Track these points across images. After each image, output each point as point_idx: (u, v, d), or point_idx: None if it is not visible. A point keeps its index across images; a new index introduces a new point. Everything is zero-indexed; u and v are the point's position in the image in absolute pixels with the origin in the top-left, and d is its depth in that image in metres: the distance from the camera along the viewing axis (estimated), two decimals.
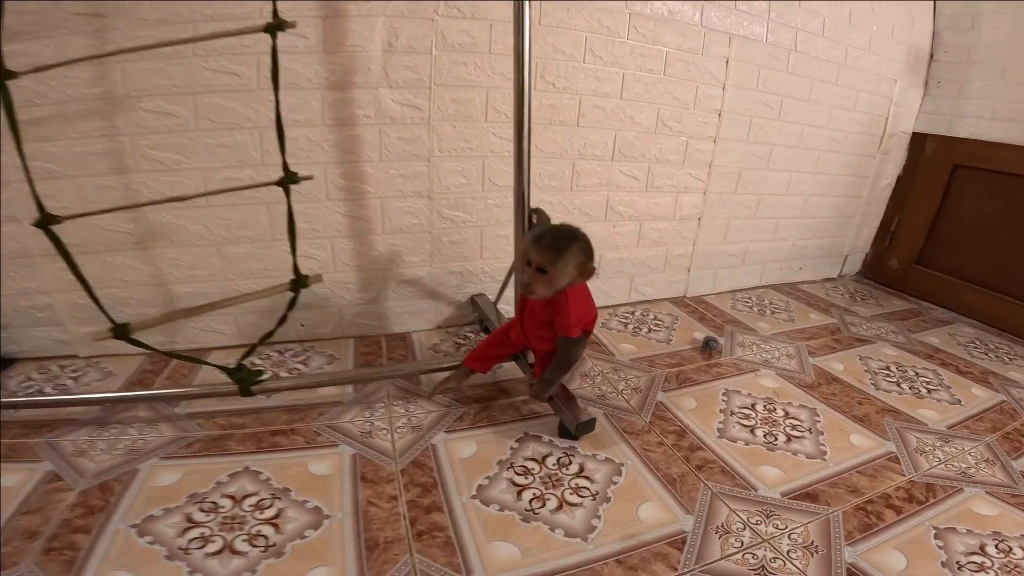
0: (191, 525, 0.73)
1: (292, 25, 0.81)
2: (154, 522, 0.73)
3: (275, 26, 0.77)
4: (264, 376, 0.92)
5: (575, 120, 1.25)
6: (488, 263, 1.31)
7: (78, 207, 1.01)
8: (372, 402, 1.00)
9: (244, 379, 0.91)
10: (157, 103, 1.02)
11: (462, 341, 1.28)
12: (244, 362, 0.90)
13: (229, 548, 0.69)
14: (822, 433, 1.01)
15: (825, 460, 0.93)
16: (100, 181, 1.04)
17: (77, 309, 1.15)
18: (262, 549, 0.69)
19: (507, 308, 1.25)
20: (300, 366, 1.14)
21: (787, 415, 1.06)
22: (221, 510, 0.75)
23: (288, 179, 0.80)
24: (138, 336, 0.83)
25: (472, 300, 1.29)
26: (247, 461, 0.85)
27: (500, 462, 0.86)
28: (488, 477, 0.82)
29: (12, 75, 0.69)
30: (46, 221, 0.75)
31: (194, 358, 0.91)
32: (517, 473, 0.84)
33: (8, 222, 1.06)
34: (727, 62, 1.35)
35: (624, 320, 1.44)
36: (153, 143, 1.03)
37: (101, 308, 0.80)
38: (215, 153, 1.05)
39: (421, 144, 1.14)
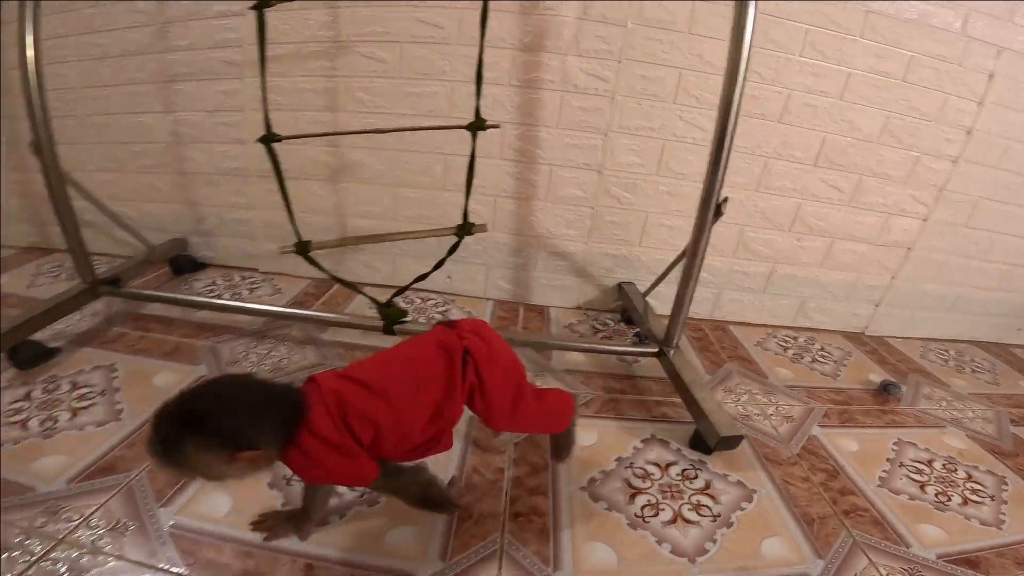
0: None
1: None
2: None
3: None
4: (407, 319, 0.99)
5: (778, 115, 1.13)
6: (646, 251, 1.26)
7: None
8: None
9: (391, 315, 0.98)
10: (371, 49, 1.13)
11: (600, 326, 1.25)
12: (394, 300, 0.98)
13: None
14: (1006, 503, 0.83)
15: (1001, 529, 0.78)
16: (314, 116, 1.19)
17: (269, 226, 1.34)
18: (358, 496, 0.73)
19: (657, 304, 1.19)
20: (438, 315, 1.21)
21: (969, 478, 0.88)
22: None
23: (477, 124, 0.84)
24: (314, 256, 0.94)
25: (620, 287, 1.25)
26: None
27: (619, 459, 0.82)
28: (603, 472, 0.79)
29: (268, 3, 0.81)
30: (269, 139, 0.87)
31: (352, 284, 1.00)
32: (635, 475, 0.80)
33: (232, 143, 1.27)
34: (991, 76, 1.12)
35: (784, 344, 1.30)
36: (363, 86, 1.15)
37: (293, 223, 0.92)
38: (411, 101, 1.14)
39: (600, 116, 1.12)
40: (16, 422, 0.83)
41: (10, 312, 1.13)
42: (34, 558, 0.60)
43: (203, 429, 0.45)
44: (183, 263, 1.40)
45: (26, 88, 0.94)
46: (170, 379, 0.96)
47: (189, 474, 0.49)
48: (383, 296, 1.00)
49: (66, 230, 1.06)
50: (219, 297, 1.23)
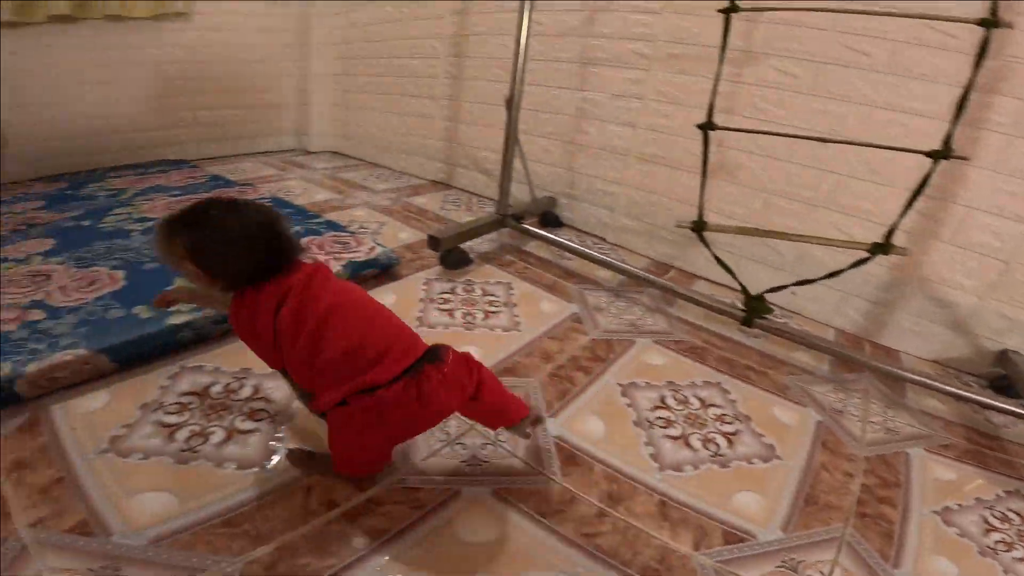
0: (661, 407, 0.90)
1: (1008, 26, 0.82)
2: (635, 390, 0.93)
3: (991, 22, 0.80)
4: (769, 315, 1.06)
5: None
6: None
7: (684, 129, 1.31)
8: (848, 389, 1.04)
9: (757, 309, 1.06)
10: (784, 64, 1.20)
11: (961, 388, 1.15)
12: (764, 295, 1.06)
13: (684, 440, 0.83)
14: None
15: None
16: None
17: (630, 204, 1.54)
18: (711, 454, 0.80)
19: None
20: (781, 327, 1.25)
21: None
22: (690, 406, 0.92)
23: (942, 153, 0.85)
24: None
25: (1004, 353, 1.12)
26: (720, 378, 1.01)
27: (979, 500, 0.79)
28: (959, 505, 0.78)
29: (735, 9, 0.96)
30: (708, 126, 1.02)
31: (729, 269, 1.08)
32: (993, 516, 0.76)
33: (624, 126, 1.48)
34: None
35: None
36: (765, 95, 1.23)
37: (701, 203, 1.05)
38: (815, 116, 1.18)
39: None
40: (445, 310, 1.14)
41: (434, 225, 1.54)
42: (448, 440, 0.77)
43: (184, 236, 0.53)
44: (550, 218, 1.71)
45: (515, 59, 1.27)
46: (552, 308, 1.19)
47: (164, 258, 0.56)
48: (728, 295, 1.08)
49: (505, 172, 1.39)
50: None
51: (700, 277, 1.43)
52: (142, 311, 0.92)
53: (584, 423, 0.84)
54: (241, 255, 0.55)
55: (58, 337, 0.83)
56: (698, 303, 1.17)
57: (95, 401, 0.78)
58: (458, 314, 1.10)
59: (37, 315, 0.89)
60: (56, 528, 0.58)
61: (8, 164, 1.84)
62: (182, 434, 0.73)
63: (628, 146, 1.51)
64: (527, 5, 1.26)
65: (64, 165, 1.99)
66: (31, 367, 0.76)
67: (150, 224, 1.34)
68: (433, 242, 1.28)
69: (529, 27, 1.28)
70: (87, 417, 0.75)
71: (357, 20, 2.27)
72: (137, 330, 0.87)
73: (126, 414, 0.76)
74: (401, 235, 1.52)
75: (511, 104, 1.33)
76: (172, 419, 0.76)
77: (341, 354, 0.53)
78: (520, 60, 1.29)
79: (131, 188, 1.71)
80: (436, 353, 0.56)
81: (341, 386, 0.53)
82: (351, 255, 1.18)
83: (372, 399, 0.53)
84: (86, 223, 1.33)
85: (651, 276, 1.24)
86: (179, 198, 1.58)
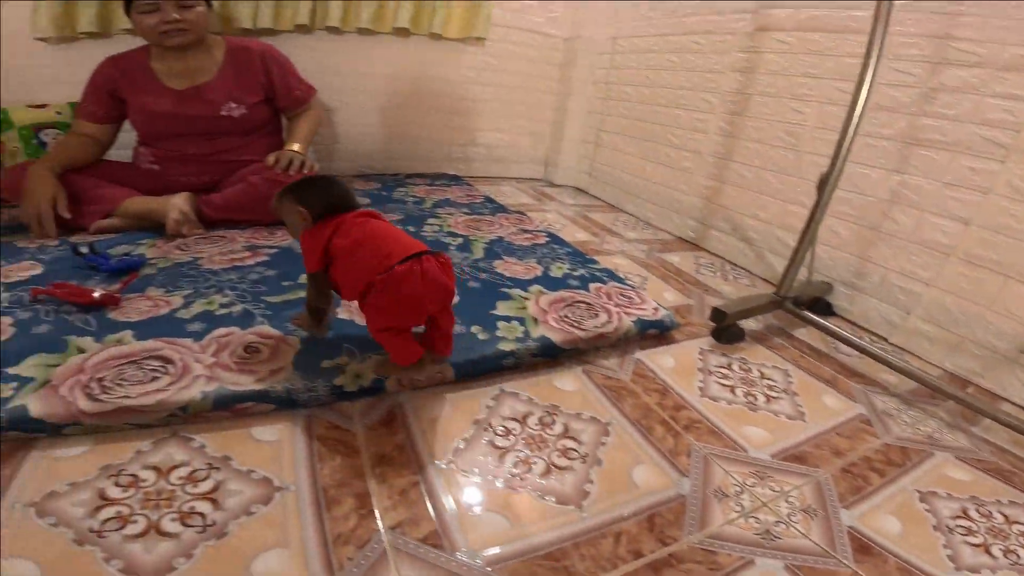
0: (963, 517, 0.81)
1: None
2: (935, 499, 0.84)
3: None
4: None
5: None
6: None
7: None
8: None
9: None
10: None
11: None
12: None
13: (985, 547, 0.76)
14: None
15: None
16: None
17: (936, 308, 1.36)
18: (1011, 563, 0.73)
19: None
20: None
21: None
22: (993, 520, 0.81)
23: None
24: None
25: None
26: None
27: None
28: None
29: None
30: None
31: None
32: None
33: (954, 220, 1.32)
34: None
35: None
36: None
37: None
38: None
39: None
40: (726, 386, 1.11)
41: (693, 288, 1.52)
42: (743, 512, 0.77)
43: (297, 193, 0.87)
44: (821, 305, 1.59)
45: (843, 135, 1.20)
46: (836, 404, 1.10)
47: (280, 209, 0.92)
48: None
49: (798, 255, 1.32)
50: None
51: (1007, 400, 1.23)
52: (478, 331, 1.06)
53: (878, 520, 0.80)
54: (324, 198, 0.86)
55: None
56: (1017, 429, 1.00)
57: (439, 409, 0.90)
58: (739, 392, 1.09)
59: None
60: (413, 536, 0.64)
61: (338, 160, 2.27)
62: (510, 459, 0.81)
63: (952, 244, 1.35)
64: (867, 79, 1.20)
65: (376, 166, 2.40)
66: None
67: (460, 239, 1.54)
68: (717, 315, 1.27)
69: (866, 103, 1.21)
70: (434, 423, 0.86)
71: (624, 63, 2.36)
72: (478, 349, 1.00)
73: (463, 427, 0.84)
74: (666, 295, 1.53)
75: (825, 184, 1.27)
76: (500, 442, 0.84)
77: (370, 254, 0.79)
78: (848, 138, 1.23)
79: (428, 198, 1.99)
80: (433, 250, 0.81)
81: (371, 275, 0.77)
82: (638, 311, 1.22)
83: (389, 275, 0.76)
84: (412, 229, 1.57)
85: (959, 393, 1.09)
86: (470, 216, 1.80)
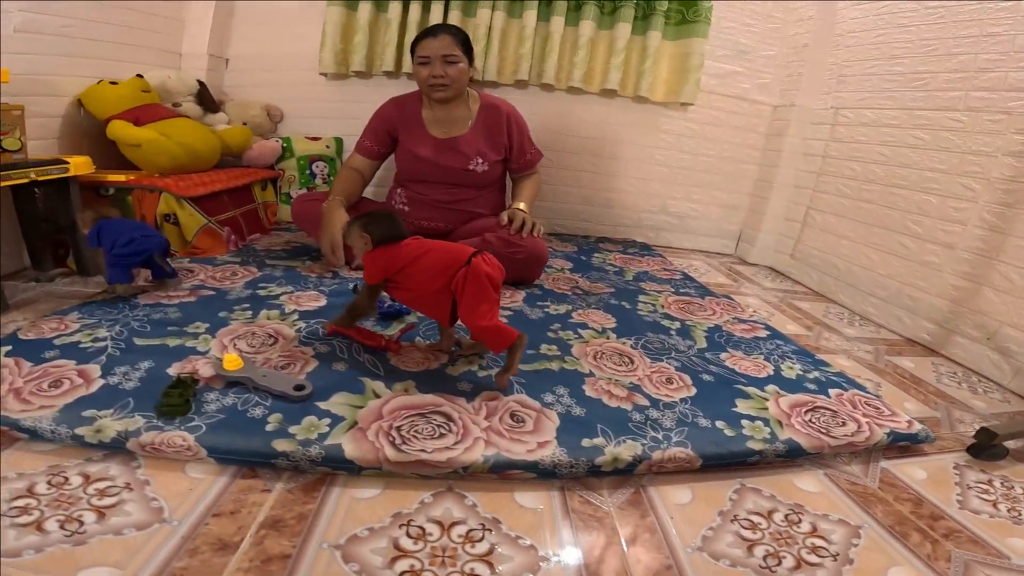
0: None
1: None
2: None
3: None
4: None
5: None
6: None
7: None
8: None
9: None
10: None
11: None
12: None
13: None
14: None
15: None
16: None
17: None
18: None
19: None
20: None
21: None
22: None
23: None
24: None
25: None
26: None
27: None
28: None
29: None
30: None
31: None
32: None
33: None
34: None
35: None
36: None
37: None
38: None
39: None
40: (988, 500, 0.98)
41: (936, 400, 1.34)
42: None
43: (362, 223, 1.08)
44: None
45: None
46: None
47: (349, 236, 1.12)
48: None
49: None
50: None
51: None
52: (724, 427, 1.02)
53: None
54: (383, 230, 1.05)
55: (668, 431, 0.98)
56: None
57: (683, 496, 0.90)
58: (1002, 507, 0.98)
59: (640, 400, 1.08)
60: None
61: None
62: (759, 551, 0.78)
63: None
64: None
65: (567, 227, 2.48)
66: (656, 454, 0.91)
67: (677, 323, 1.52)
68: (986, 435, 1.13)
69: None
70: (680, 509, 0.86)
71: (849, 135, 2.17)
72: (725, 445, 0.98)
73: (708, 516, 0.84)
74: (907, 405, 1.37)
75: None
76: (747, 534, 0.82)
77: (439, 258, 1.03)
78: None
79: (627, 269, 2.01)
80: (478, 252, 1.00)
81: (449, 272, 1.01)
82: (890, 423, 1.12)
83: (469, 267, 0.97)
84: (626, 305, 1.58)
85: None
86: (678, 297, 1.77)
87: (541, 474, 0.85)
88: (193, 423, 0.86)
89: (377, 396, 0.99)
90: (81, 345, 1.07)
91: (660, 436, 0.94)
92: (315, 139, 2.41)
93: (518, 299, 1.52)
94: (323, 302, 1.36)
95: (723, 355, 1.35)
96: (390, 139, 1.66)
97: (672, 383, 1.17)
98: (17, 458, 0.80)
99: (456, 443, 0.85)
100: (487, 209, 1.76)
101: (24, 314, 1.35)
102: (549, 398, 1.05)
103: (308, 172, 2.37)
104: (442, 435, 0.88)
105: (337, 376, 1.04)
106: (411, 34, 2.24)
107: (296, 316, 1.25)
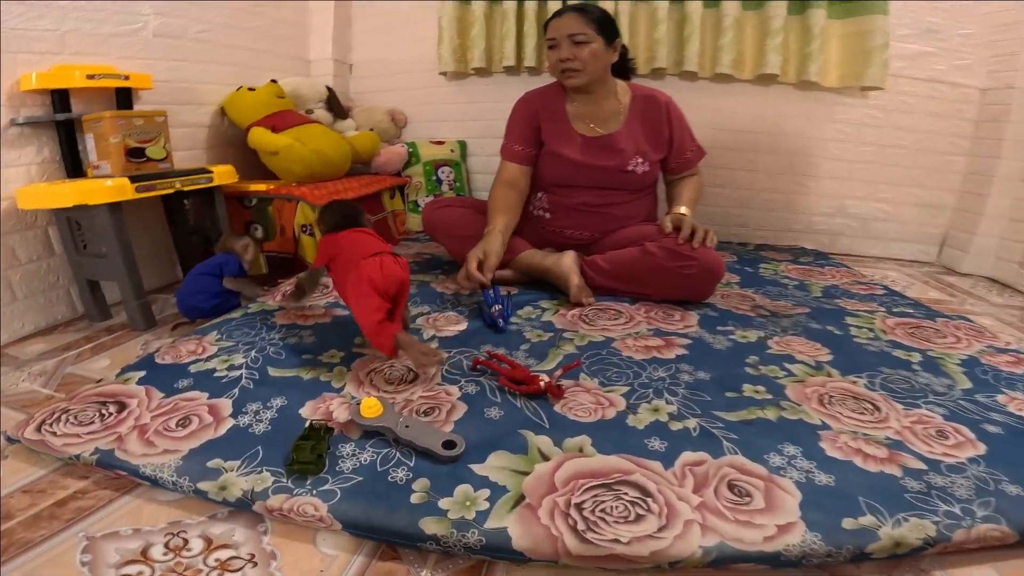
0: None
1: None
2: None
3: None
4: None
5: None
6: None
7: None
8: None
9: None
10: None
11: None
12: None
13: None
14: None
15: None
16: None
17: None
18: None
19: None
20: None
21: None
22: None
23: None
24: None
25: None
26: None
27: None
28: None
29: None
30: None
31: None
32: None
33: None
34: None
35: None
36: None
37: None
38: None
39: None
40: None
41: None
42: None
43: (321, 212, 1.16)
44: None
45: None
46: None
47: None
48: None
49: None
50: None
51: None
52: None
53: None
54: (329, 219, 1.13)
55: (966, 503, 0.70)
56: None
57: None
58: None
59: (910, 461, 0.78)
60: None
61: None
62: None
63: None
64: None
65: (719, 233, 2.12)
66: (958, 534, 0.65)
67: (918, 355, 1.14)
68: None
69: None
70: None
71: None
72: None
73: None
74: None
75: None
76: None
77: (350, 254, 1.00)
78: None
79: (808, 282, 1.63)
80: (393, 253, 1.00)
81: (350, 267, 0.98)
82: None
83: (360, 265, 0.94)
84: (834, 330, 1.22)
85: None
86: (898, 318, 1.36)
87: (777, 565, 0.63)
88: (326, 486, 0.71)
89: (545, 458, 0.77)
90: (216, 374, 0.99)
91: (958, 510, 0.68)
92: (439, 143, 2.28)
93: (692, 323, 1.22)
94: (463, 325, 1.18)
95: (1000, 397, 0.98)
96: (538, 137, 1.44)
97: (947, 437, 0.84)
98: (135, 508, 0.71)
99: (661, 528, 0.64)
100: (639, 215, 1.48)
101: (168, 331, 1.32)
102: (776, 460, 0.78)
103: (434, 178, 2.25)
104: (639, 516, 0.66)
105: (491, 427, 0.84)
106: (530, 25, 2.08)
107: (436, 343, 1.06)
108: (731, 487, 0.72)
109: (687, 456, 0.78)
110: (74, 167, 1.38)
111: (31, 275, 1.35)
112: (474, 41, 2.15)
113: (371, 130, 2.16)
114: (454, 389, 0.94)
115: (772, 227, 2.25)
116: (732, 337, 1.18)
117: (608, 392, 0.95)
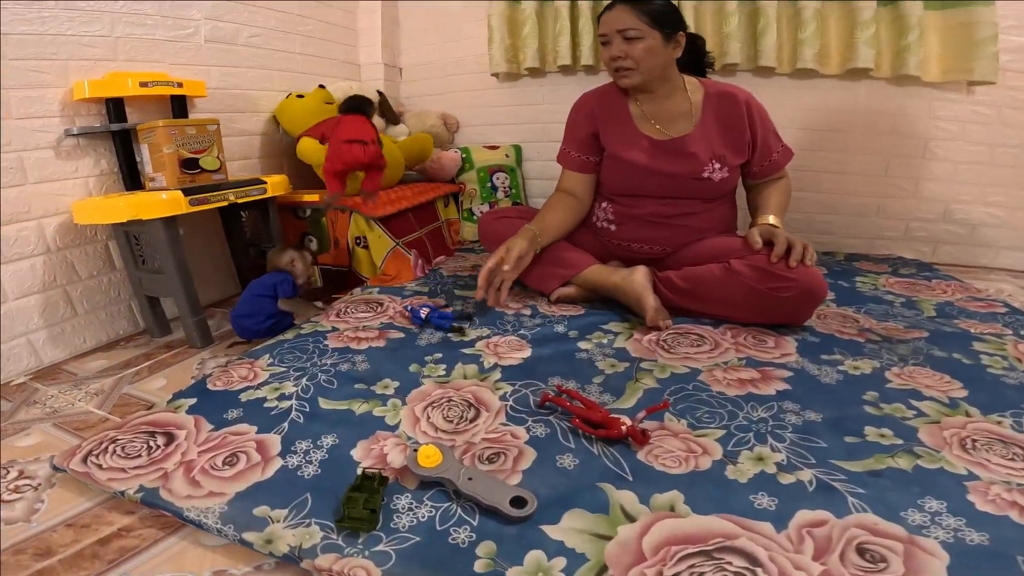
0: None
1: None
2: None
3: None
4: None
5: None
6: None
7: None
8: None
9: None
10: None
11: None
12: None
13: None
14: None
15: None
16: None
17: None
18: None
19: None
20: None
21: None
22: None
23: None
24: None
25: None
26: None
27: None
28: None
29: None
30: None
31: None
32: None
33: None
34: None
35: None
36: None
37: None
38: None
39: None
40: None
41: None
42: None
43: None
44: None
45: None
46: None
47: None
48: None
49: None
50: None
51: None
52: None
53: None
54: (345, 104, 1.56)
55: None
56: None
57: None
58: None
59: None
60: None
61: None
62: None
63: None
64: None
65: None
66: None
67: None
68: None
69: None
70: None
71: None
72: None
73: None
74: None
75: None
76: None
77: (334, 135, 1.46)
78: None
79: (918, 299, 1.44)
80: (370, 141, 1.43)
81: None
82: None
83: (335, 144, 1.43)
84: (962, 359, 1.06)
85: None
86: None
87: None
88: (380, 546, 0.63)
89: (630, 518, 0.67)
90: (266, 404, 0.93)
91: None
92: (493, 148, 2.20)
93: (789, 351, 1.08)
94: (527, 352, 1.08)
95: None
96: (596, 142, 1.33)
97: None
98: (179, 552, 0.67)
99: None
100: (717, 226, 1.35)
101: (224, 349, 1.29)
102: (916, 517, 0.65)
103: (489, 184, 2.17)
104: None
105: (566, 480, 0.74)
106: (585, 22, 1.97)
107: (498, 374, 0.97)
108: (861, 551, 0.60)
109: (803, 515, 0.66)
110: (132, 179, 1.38)
111: (92, 290, 1.36)
112: (526, 40, 2.07)
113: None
114: (521, 431, 0.84)
115: (863, 234, 2.05)
116: (841, 368, 1.03)
117: (700, 436, 0.83)
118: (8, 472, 0.85)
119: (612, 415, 0.82)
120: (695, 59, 1.35)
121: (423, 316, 1.19)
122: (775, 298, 1.12)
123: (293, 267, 1.31)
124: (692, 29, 1.73)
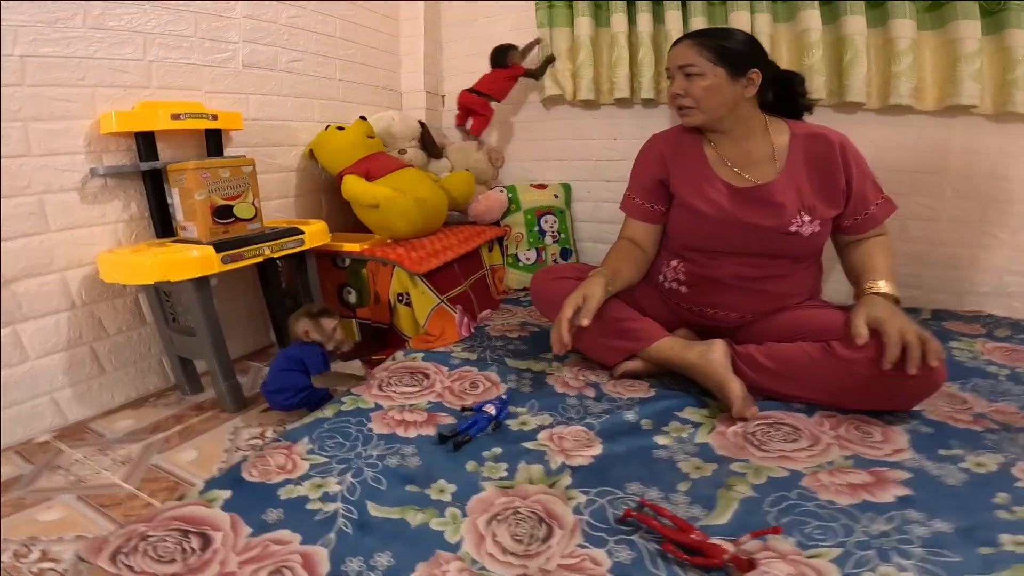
0: None
1: None
2: None
3: None
4: None
5: None
6: None
7: None
8: None
9: None
10: None
11: None
12: None
13: None
14: None
15: None
16: None
17: None
18: None
19: None
20: None
21: None
22: None
23: None
24: None
25: None
26: None
27: None
28: None
29: None
30: None
31: None
32: None
33: None
34: None
35: None
36: None
37: None
38: None
39: None
40: None
41: None
42: None
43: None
44: None
45: None
46: None
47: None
48: None
49: None
50: None
51: None
52: None
53: None
54: None
55: None
56: None
57: None
58: None
59: None
60: None
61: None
62: None
63: None
64: None
65: None
66: None
67: None
68: None
69: None
70: None
71: None
72: None
73: None
74: None
75: None
76: None
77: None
78: None
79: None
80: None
81: None
82: None
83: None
84: None
85: None
86: None
87: None
88: None
89: None
90: (308, 505, 0.87)
91: None
92: (541, 187, 2.14)
93: (902, 446, 0.97)
94: (597, 448, 0.99)
95: None
96: (665, 190, 1.26)
97: None
98: None
99: None
100: (802, 291, 1.25)
101: (258, 414, 1.24)
102: None
103: (536, 228, 2.10)
104: None
105: None
106: (645, 51, 1.91)
107: (568, 479, 0.88)
108: None
109: None
110: (163, 224, 1.34)
111: (121, 346, 1.32)
112: (581, 68, 2.00)
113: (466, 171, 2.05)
114: (602, 556, 0.76)
115: (951, 289, 1.92)
116: (963, 466, 0.92)
117: (812, 558, 0.73)
118: (31, 551, 0.81)
119: (710, 540, 0.73)
120: (790, 98, 1.27)
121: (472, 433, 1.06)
122: (887, 390, 1.02)
123: (308, 337, 1.25)
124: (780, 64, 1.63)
